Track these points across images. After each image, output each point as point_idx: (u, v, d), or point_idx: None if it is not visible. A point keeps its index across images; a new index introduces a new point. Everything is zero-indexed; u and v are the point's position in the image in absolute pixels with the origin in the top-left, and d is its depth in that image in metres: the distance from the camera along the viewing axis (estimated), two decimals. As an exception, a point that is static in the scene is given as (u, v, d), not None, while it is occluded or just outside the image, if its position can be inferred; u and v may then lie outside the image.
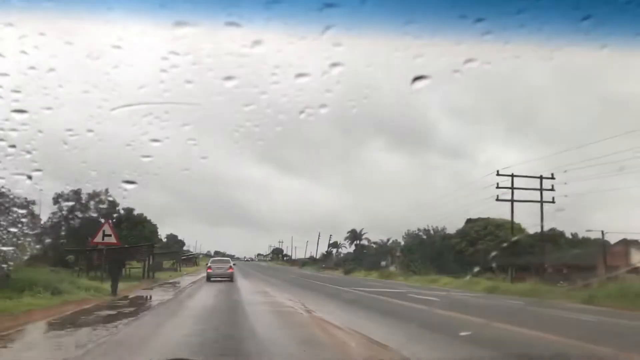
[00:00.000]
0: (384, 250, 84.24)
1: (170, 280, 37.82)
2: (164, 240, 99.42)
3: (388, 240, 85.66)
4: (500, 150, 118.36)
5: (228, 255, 79.68)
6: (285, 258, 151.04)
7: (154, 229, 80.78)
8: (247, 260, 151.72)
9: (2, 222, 9.37)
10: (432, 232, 68.86)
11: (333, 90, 6.44)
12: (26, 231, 9.80)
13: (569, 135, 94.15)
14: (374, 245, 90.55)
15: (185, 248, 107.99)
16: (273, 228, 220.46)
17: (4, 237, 9.62)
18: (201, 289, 29.00)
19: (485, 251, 44.91)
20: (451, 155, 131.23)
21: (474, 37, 5.54)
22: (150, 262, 39.32)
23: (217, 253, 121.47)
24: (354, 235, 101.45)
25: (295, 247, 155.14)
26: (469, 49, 5.85)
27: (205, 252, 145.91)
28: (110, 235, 24.06)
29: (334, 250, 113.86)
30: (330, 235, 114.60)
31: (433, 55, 5.93)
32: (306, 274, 66.87)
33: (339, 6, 5.16)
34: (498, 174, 42.02)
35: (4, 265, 11.07)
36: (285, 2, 5.14)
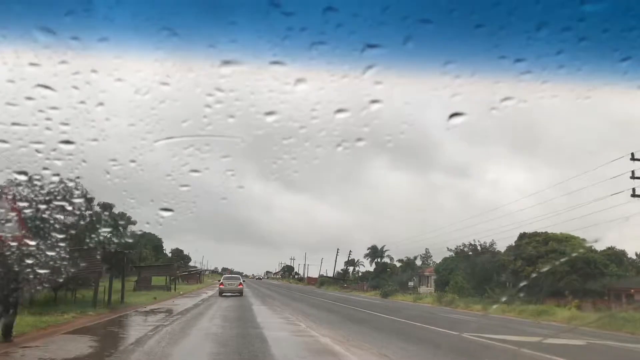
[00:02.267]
0: (411, 268, 77.04)
1: (149, 307, 26.90)
2: (169, 255, 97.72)
3: (415, 258, 79.19)
4: (519, 173, 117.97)
5: (236, 273, 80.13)
6: (296, 276, 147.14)
7: (158, 242, 79.27)
8: (258, 279, 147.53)
9: (41, 246, 9.60)
10: (479, 248, 58.53)
11: (370, 124, 6.56)
12: (63, 255, 9.99)
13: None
14: (399, 264, 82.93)
15: (191, 264, 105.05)
16: (280, 246, 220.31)
17: (42, 260, 9.83)
18: (193, 326, 18.18)
19: (550, 272, 38.20)
20: (457, 175, 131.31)
21: (512, 76, 5.66)
22: (124, 277, 29.33)
23: (225, 270, 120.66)
24: (375, 252, 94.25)
25: (308, 265, 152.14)
26: (507, 88, 5.96)
27: (212, 269, 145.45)
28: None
29: (351, 269, 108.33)
30: (350, 251, 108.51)
31: (470, 93, 6.03)
32: (336, 297, 55.94)
33: (381, 47, 5.31)
34: (633, 159, 31.22)
35: (39, 288, 11.25)
36: (329, 43, 5.29)
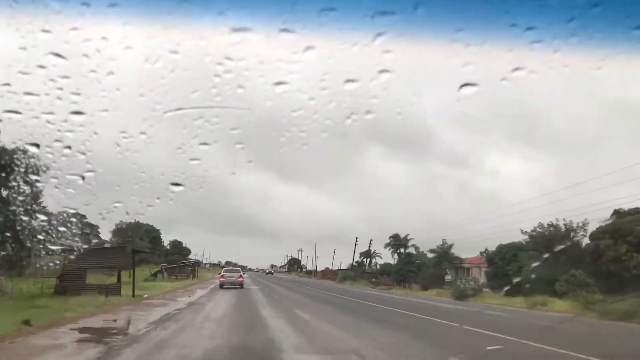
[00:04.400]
0: (445, 259, 64.38)
1: None
2: (167, 246, 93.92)
3: (450, 246, 64.95)
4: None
5: (239, 266, 78.23)
6: (303, 269, 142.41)
7: (156, 233, 74.36)
8: (268, 272, 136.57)
9: (52, 222, 9.69)
10: (563, 228, 44.04)
11: (380, 96, 6.55)
12: (75, 231, 10.07)
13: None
14: (433, 254, 67.91)
15: (192, 257, 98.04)
16: (283, 239, 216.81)
17: (53, 236, 9.93)
18: None
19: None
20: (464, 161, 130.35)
21: (523, 45, 5.61)
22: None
23: (228, 263, 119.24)
24: (397, 242, 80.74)
25: (317, 257, 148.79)
26: (518, 57, 5.91)
27: (216, 262, 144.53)
28: None
29: (367, 260, 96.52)
30: (371, 240, 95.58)
31: (481, 63, 5.99)
32: (395, 301, 34.75)
33: (392, 14, 5.28)
34: None
35: (51, 264, 11.35)
36: (339, 10, 5.28)
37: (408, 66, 6.16)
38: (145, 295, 28.23)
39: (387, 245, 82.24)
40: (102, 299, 23.04)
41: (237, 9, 5.27)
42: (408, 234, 78.50)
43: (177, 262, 64.73)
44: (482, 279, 53.43)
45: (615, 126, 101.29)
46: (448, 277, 60.03)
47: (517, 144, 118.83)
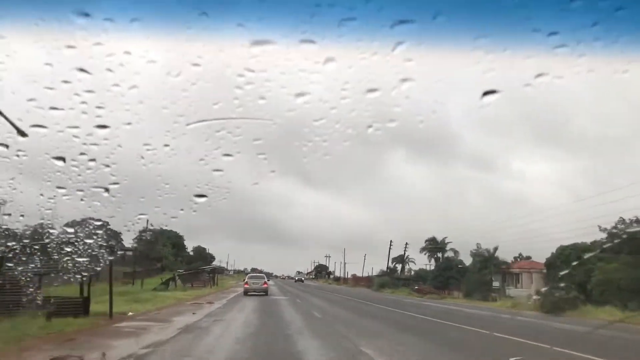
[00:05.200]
0: (491, 264, 56.70)
1: None
2: (191, 253, 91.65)
3: (495, 250, 57.83)
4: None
5: (264, 273, 78.14)
6: (330, 276, 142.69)
7: (178, 240, 73.47)
8: (298, 280, 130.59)
9: (79, 234, 9.86)
10: None
11: (402, 104, 6.51)
12: (100, 242, 10.23)
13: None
14: (476, 258, 60.15)
15: (216, 263, 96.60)
16: (308, 245, 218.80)
17: (80, 248, 10.11)
18: None
19: None
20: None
21: (546, 51, 5.52)
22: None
23: (253, 270, 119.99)
24: (435, 246, 76.21)
25: (345, 263, 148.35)
26: (541, 63, 5.83)
27: (241, 269, 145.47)
28: None
29: (400, 266, 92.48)
30: (407, 243, 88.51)
31: (503, 69, 5.92)
32: (484, 318, 27.29)
33: (411, 22, 5.25)
34: None
35: (78, 276, 11.52)
36: (358, 19, 5.28)
37: (430, 74, 6.11)
38: (131, 313, 20.98)
39: (422, 249, 79.40)
40: (40, 322, 14.29)
41: (256, 20, 5.29)
42: (446, 237, 75.41)
43: (194, 269, 59.53)
44: (534, 286, 49.39)
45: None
46: (496, 284, 55.54)
47: (546, 146, 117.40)
